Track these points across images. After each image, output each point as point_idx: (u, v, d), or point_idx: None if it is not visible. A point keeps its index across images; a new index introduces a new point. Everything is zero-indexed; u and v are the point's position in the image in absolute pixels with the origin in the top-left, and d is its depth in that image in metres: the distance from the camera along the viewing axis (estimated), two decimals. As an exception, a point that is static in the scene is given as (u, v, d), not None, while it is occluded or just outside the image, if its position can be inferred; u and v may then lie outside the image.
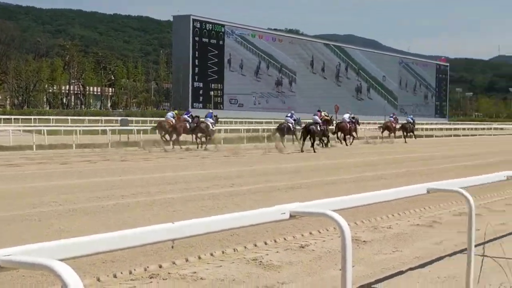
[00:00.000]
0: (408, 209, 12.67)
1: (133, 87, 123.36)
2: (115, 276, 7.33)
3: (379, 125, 59.38)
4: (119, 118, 69.62)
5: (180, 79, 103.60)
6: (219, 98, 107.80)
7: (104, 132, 42.56)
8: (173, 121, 38.86)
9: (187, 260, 8.16)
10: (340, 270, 4.84)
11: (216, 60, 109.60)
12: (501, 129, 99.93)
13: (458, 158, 30.72)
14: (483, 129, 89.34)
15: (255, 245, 9.15)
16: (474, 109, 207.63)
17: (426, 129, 75.83)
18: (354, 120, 46.15)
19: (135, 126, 49.68)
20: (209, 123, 38.87)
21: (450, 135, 71.27)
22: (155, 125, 42.30)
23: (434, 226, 11.04)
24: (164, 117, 43.51)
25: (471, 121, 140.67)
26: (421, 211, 12.67)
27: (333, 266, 7.95)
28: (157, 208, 12.69)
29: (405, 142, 51.72)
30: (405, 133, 54.65)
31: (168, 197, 14.30)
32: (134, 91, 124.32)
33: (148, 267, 7.72)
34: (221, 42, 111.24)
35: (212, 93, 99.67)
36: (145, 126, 51.28)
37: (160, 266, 7.79)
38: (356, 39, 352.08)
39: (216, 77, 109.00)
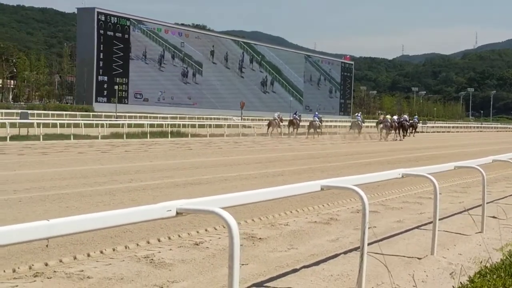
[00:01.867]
0: (307, 205, 12.64)
1: (35, 79, 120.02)
2: (-4, 275, 6.98)
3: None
4: (20, 111, 67.85)
5: (84, 73, 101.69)
6: (124, 93, 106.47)
7: (3, 125, 41.27)
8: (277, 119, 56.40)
9: (75, 258, 7.87)
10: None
11: (122, 54, 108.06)
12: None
13: (359, 155, 31.06)
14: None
15: (148, 242, 8.92)
16: (377, 107, 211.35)
17: (330, 126, 76.89)
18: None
19: (35, 119, 48.23)
20: (317, 121, 56.02)
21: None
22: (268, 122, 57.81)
23: (331, 223, 11.00)
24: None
25: (374, 119, 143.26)
26: (319, 208, 12.65)
27: (226, 264, 7.73)
28: (50, 204, 12.27)
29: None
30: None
31: (63, 192, 13.87)
32: (37, 84, 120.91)
33: (33, 265, 7.40)
34: (126, 36, 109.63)
35: (116, 87, 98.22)
36: (46, 119, 50.42)
37: (46, 264, 7.47)
38: (262, 36, 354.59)
39: (121, 71, 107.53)
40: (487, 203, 10.72)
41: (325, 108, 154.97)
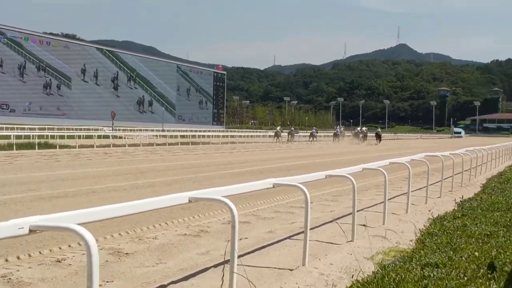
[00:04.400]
0: (177, 218, 12.34)
1: None
2: None
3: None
4: None
5: None
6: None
7: None
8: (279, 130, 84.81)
9: None
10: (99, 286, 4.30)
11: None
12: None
13: (232, 165, 30.94)
14: (259, 136, 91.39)
15: (7, 260, 8.38)
16: (250, 117, 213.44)
17: (203, 136, 76.89)
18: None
19: None
20: (293, 130, 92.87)
21: (227, 142, 72.25)
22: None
23: (202, 235, 10.71)
24: None
25: (247, 128, 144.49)
26: (189, 220, 12.34)
27: (89, 282, 7.35)
28: None
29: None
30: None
31: None
32: None
33: None
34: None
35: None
36: None
37: None
38: (134, 46, 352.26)
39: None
40: (357, 211, 10.70)
41: (198, 118, 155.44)
